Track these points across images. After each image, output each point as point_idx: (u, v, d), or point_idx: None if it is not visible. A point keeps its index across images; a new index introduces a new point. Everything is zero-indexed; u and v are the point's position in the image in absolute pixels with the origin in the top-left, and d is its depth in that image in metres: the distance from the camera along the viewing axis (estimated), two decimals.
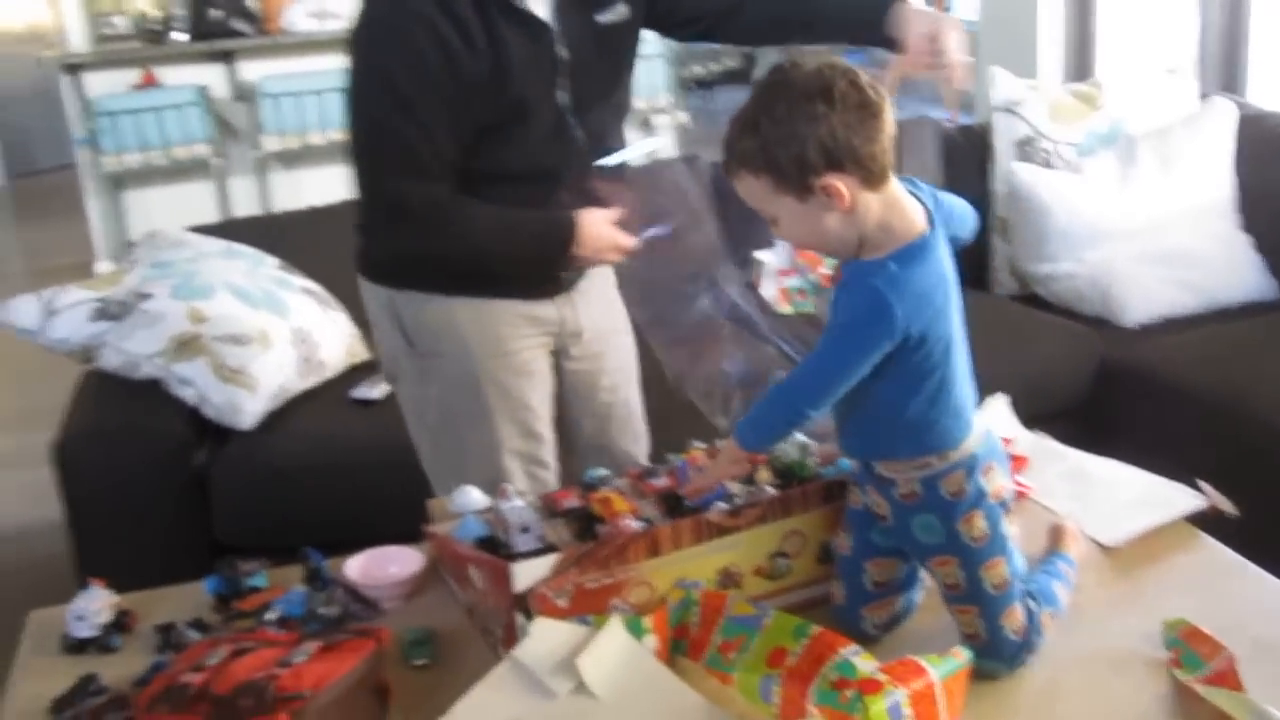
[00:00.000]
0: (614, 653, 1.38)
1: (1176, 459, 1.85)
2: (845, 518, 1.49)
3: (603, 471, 1.73)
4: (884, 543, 1.43)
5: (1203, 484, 1.75)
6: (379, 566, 1.65)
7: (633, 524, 1.52)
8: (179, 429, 2.31)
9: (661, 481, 1.68)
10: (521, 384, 1.86)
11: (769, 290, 3.06)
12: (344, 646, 1.37)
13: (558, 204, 1.76)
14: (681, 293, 1.86)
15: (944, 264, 1.32)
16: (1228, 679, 1.36)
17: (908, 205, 1.31)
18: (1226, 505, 1.71)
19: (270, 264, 2.68)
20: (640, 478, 1.70)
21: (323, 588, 1.63)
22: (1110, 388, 2.73)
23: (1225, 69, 3.48)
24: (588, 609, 1.42)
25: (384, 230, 1.77)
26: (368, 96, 1.65)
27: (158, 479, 2.25)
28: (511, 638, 1.40)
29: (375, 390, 2.45)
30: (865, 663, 1.30)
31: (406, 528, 1.71)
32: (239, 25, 5.46)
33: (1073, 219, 2.92)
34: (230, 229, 2.91)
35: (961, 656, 1.33)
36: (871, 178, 1.27)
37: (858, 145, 1.25)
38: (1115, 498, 1.77)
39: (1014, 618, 1.38)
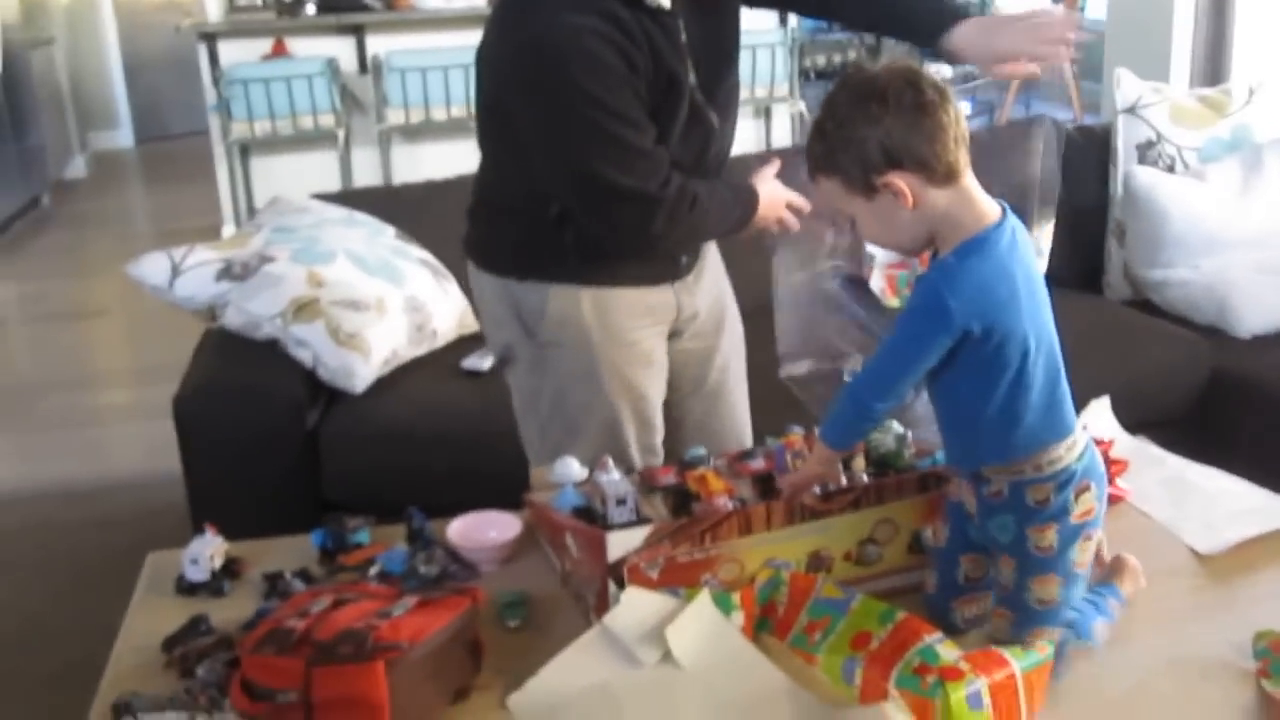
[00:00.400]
0: (702, 626, 1.41)
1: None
2: (943, 509, 1.50)
3: (701, 451, 1.76)
4: (978, 538, 1.44)
5: None
6: (479, 530, 1.71)
7: (727, 503, 1.55)
8: (294, 389, 2.38)
9: (758, 464, 1.71)
10: (640, 374, 1.88)
11: (877, 282, 3.07)
12: (441, 603, 1.43)
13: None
14: (817, 274, 1.91)
15: (1013, 259, 1.33)
16: None
17: (979, 200, 1.34)
18: None
19: (389, 233, 2.76)
20: (738, 459, 1.73)
21: (424, 547, 1.69)
22: (1221, 398, 2.68)
23: None
24: (678, 581, 1.46)
25: (631, 229, 1.74)
26: (570, 113, 1.63)
27: (272, 436, 2.33)
28: (604, 605, 1.44)
29: (485, 362, 2.51)
30: (949, 650, 1.32)
31: (505, 496, 1.76)
32: (369, 0, 5.59)
33: (1191, 225, 2.86)
34: (351, 198, 2.98)
35: (1045, 650, 1.34)
36: (935, 175, 1.31)
37: (915, 144, 1.30)
38: (1214, 506, 1.75)
39: (1042, 638, 1.36)
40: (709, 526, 1.47)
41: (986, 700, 1.26)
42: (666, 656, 1.39)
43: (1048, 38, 1.66)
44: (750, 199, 1.82)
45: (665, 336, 1.94)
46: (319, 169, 5.56)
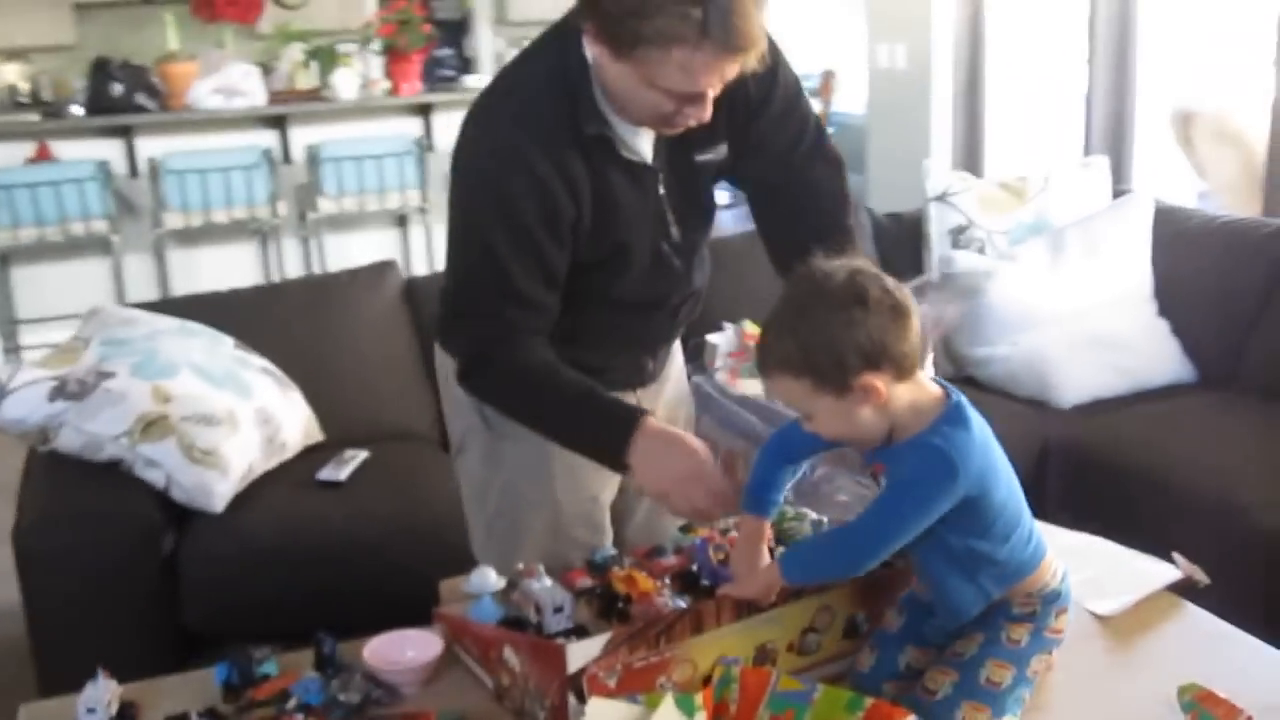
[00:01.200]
0: None
1: (1118, 533, 1.95)
2: (900, 600, 1.54)
3: (612, 551, 1.74)
4: (932, 637, 1.48)
5: (1176, 555, 1.83)
6: (396, 650, 1.62)
7: (666, 602, 1.53)
8: (147, 512, 2.23)
9: (670, 560, 1.70)
10: (593, 477, 1.83)
11: (720, 373, 3.12)
12: None
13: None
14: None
15: (982, 423, 1.41)
16: None
17: (929, 385, 1.41)
18: (1200, 575, 1.80)
19: (228, 343, 2.63)
20: (648, 557, 1.72)
21: (337, 673, 1.59)
22: (1053, 466, 2.85)
23: (1112, 161, 3.65)
24: (635, 688, 1.43)
25: (454, 345, 1.77)
26: (477, 218, 1.64)
27: (127, 564, 2.16)
28: (560, 718, 1.39)
29: (341, 472, 2.41)
30: None
31: (382, 611, 1.70)
32: (142, 100, 5.36)
33: (1008, 304, 3.05)
34: (177, 306, 2.83)
35: None
36: (903, 372, 1.37)
37: (891, 345, 1.34)
38: (1099, 570, 1.84)
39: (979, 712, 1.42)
40: (664, 629, 1.44)
41: None
42: None
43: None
44: (613, 448, 1.64)
45: None
46: (87, 278, 5.29)
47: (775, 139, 1.75)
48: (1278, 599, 2.35)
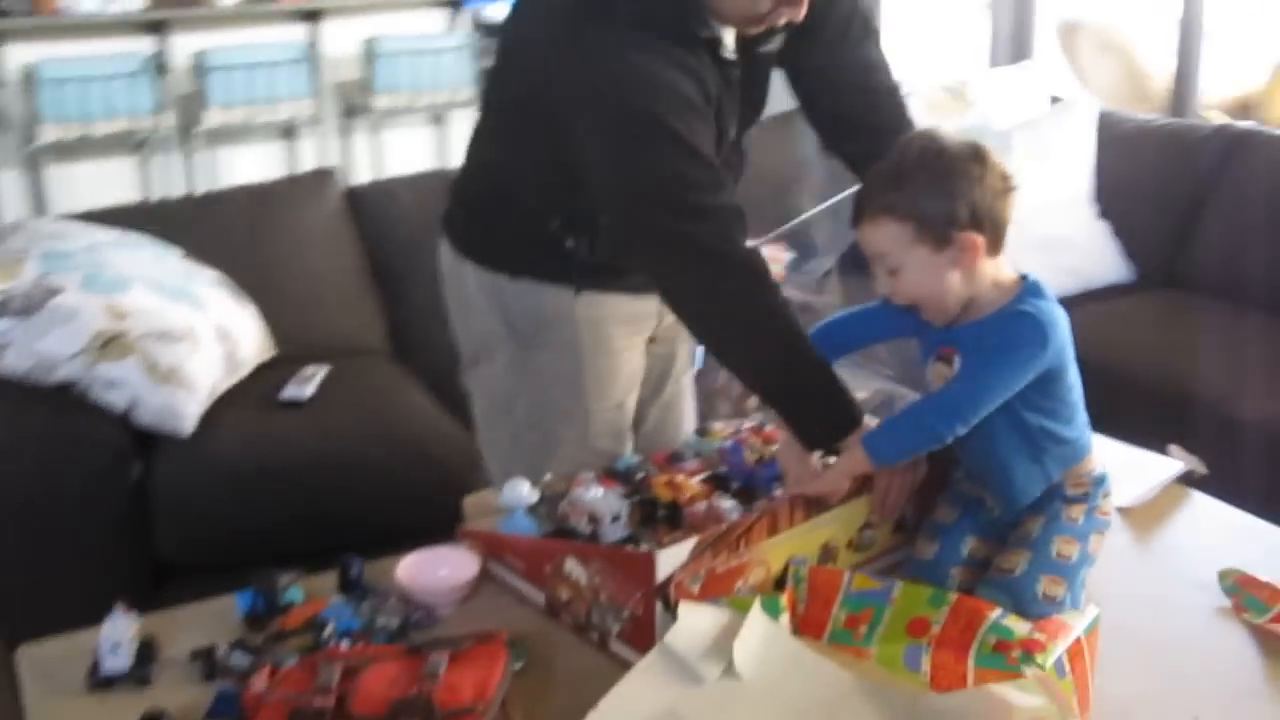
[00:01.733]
0: (758, 634, 1.34)
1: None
2: (946, 490, 1.54)
3: (635, 458, 1.69)
4: (991, 530, 1.49)
5: (1172, 447, 1.86)
6: (430, 570, 1.54)
7: (721, 505, 1.48)
8: (114, 435, 2.07)
9: (693, 464, 1.66)
10: (620, 385, 1.80)
11: None
12: (474, 654, 1.29)
13: None
14: None
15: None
16: None
17: (1007, 268, 1.44)
18: (1199, 465, 1.84)
19: (174, 254, 2.46)
20: (669, 462, 1.67)
21: (365, 597, 1.51)
22: None
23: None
24: (717, 592, 1.39)
25: (673, 275, 1.55)
26: (637, 142, 1.48)
27: (95, 493, 2.01)
28: (643, 630, 1.34)
29: (305, 390, 2.28)
30: (1019, 624, 1.32)
31: (371, 532, 1.66)
32: (8, 3, 4.95)
33: None
34: (109, 217, 2.62)
35: (1093, 611, 1.37)
36: (996, 245, 1.40)
37: (998, 212, 1.39)
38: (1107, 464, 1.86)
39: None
40: (743, 532, 1.40)
41: (1068, 667, 1.27)
42: (728, 671, 1.31)
43: None
44: (847, 412, 1.52)
45: (643, 348, 1.86)
46: None
47: (828, 23, 1.70)
48: (1249, 485, 2.42)
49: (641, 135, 1.48)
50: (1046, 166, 3.15)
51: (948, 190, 1.36)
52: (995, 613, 1.33)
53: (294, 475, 2.16)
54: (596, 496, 1.50)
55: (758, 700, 1.29)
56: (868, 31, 1.78)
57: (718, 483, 1.60)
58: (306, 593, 1.52)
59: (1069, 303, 2.95)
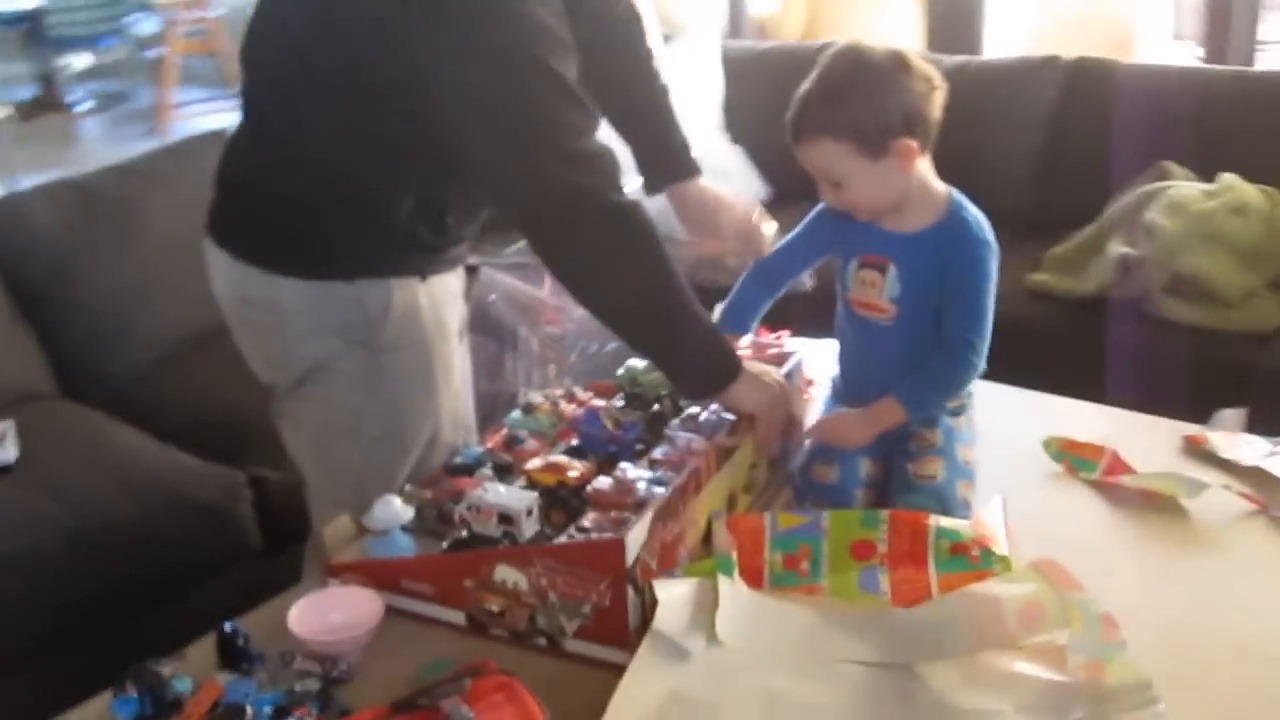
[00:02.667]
0: (728, 598, 1.31)
1: None
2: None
3: (479, 448, 1.59)
4: (880, 448, 1.54)
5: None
6: (323, 616, 1.36)
7: (632, 473, 1.43)
8: None
9: (532, 444, 1.59)
10: (457, 371, 1.66)
11: None
12: (485, 693, 1.17)
13: None
14: None
15: None
16: (1121, 469, 1.64)
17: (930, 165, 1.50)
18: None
19: None
20: (508, 446, 1.59)
21: (251, 667, 1.32)
22: None
23: None
24: (667, 565, 1.34)
25: (564, 230, 1.43)
26: (521, 88, 1.36)
27: None
28: (612, 620, 1.27)
29: (6, 452, 1.91)
30: (961, 525, 1.39)
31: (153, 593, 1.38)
32: None
33: None
34: None
35: (998, 500, 1.48)
36: (926, 144, 1.45)
37: (927, 113, 1.42)
38: None
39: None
40: (678, 496, 1.35)
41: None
42: (710, 640, 1.27)
43: (750, 246, 1.72)
44: (728, 362, 1.50)
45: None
46: None
47: None
48: None
49: (525, 80, 1.36)
50: (678, 100, 3.24)
51: (879, 103, 1.39)
52: (934, 520, 1.38)
53: (42, 553, 1.80)
54: (503, 494, 1.39)
55: (749, 663, 1.25)
56: None
57: (577, 455, 1.54)
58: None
59: None
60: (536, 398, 1.73)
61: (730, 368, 1.50)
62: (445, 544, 1.40)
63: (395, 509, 1.43)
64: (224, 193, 1.58)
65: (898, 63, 1.40)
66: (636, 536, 1.26)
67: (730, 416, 1.54)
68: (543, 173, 1.38)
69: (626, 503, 1.39)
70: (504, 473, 1.54)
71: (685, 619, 1.27)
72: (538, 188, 1.39)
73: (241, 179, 1.56)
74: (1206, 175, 2.53)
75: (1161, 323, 2.31)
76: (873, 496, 1.52)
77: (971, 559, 1.33)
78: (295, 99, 1.47)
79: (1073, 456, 1.68)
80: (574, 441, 1.59)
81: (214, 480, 1.98)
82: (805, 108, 1.43)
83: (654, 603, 1.26)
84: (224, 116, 5.06)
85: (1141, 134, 2.58)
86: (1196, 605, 1.34)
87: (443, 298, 1.63)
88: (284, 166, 1.50)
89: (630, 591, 1.26)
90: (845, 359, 1.63)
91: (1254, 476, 1.60)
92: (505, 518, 1.36)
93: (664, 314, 1.47)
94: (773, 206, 3.19)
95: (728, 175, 3.27)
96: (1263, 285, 2.32)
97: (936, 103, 1.43)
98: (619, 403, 1.64)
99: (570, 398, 1.73)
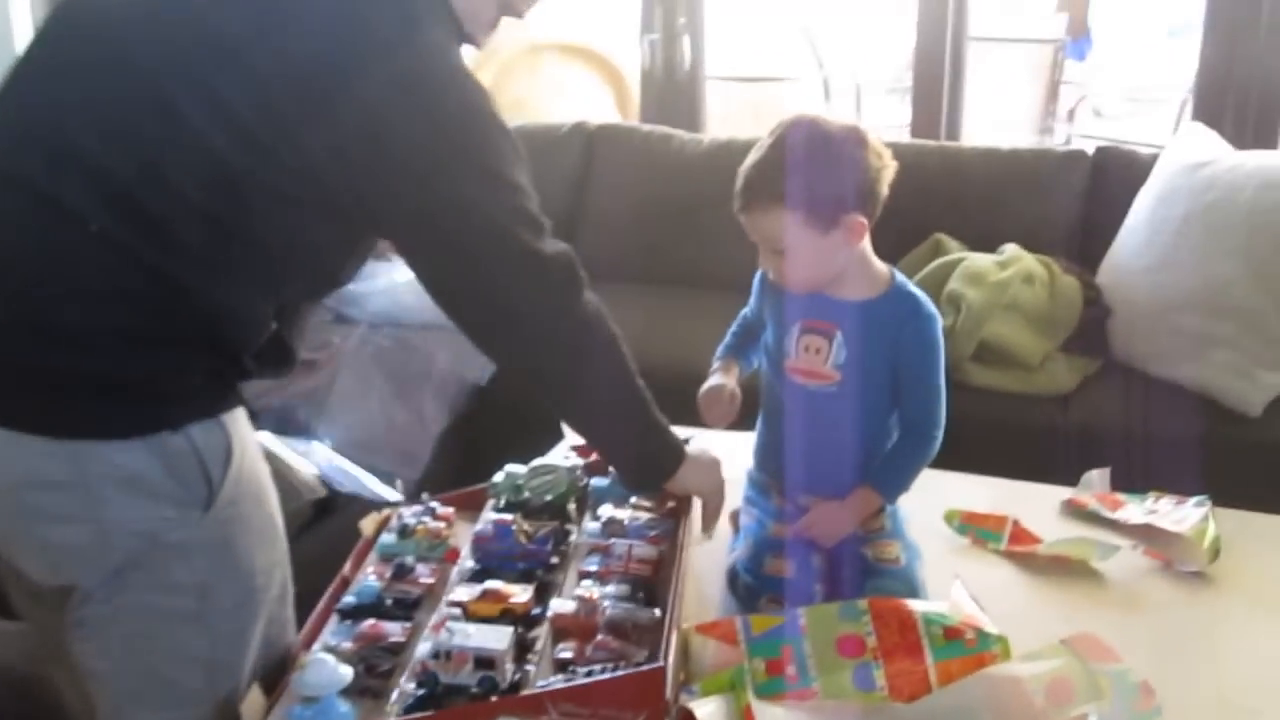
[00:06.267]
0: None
1: None
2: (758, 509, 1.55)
3: (374, 584, 1.45)
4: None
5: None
6: None
7: (594, 591, 1.31)
8: None
9: (423, 570, 1.47)
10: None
11: None
12: None
13: None
14: None
15: None
16: (1025, 538, 1.67)
17: None
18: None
19: None
20: (397, 578, 1.45)
21: None
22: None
23: None
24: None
25: (545, 305, 1.32)
26: (474, 149, 1.24)
27: None
28: None
29: None
30: (943, 608, 1.35)
31: None
32: None
33: None
34: None
35: (959, 585, 1.46)
36: (874, 219, 1.44)
37: (878, 192, 1.42)
38: None
39: None
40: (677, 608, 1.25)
41: None
42: None
43: None
44: (678, 446, 1.49)
45: None
46: None
47: None
48: None
49: (485, 136, 1.26)
50: None
51: (836, 177, 1.37)
52: (917, 605, 1.33)
53: None
54: (473, 634, 1.22)
55: None
56: None
57: (480, 578, 1.40)
58: None
59: None
60: (409, 519, 1.56)
61: (680, 451, 1.46)
62: (396, 706, 1.21)
63: (331, 671, 1.20)
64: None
65: (856, 137, 1.39)
66: (674, 661, 1.14)
67: (644, 516, 1.47)
68: (509, 238, 1.27)
69: (594, 624, 1.27)
70: (411, 609, 1.39)
71: None
72: (502, 252, 1.27)
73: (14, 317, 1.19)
74: (974, 244, 2.69)
75: (973, 390, 2.42)
76: (826, 588, 1.46)
77: (967, 643, 1.28)
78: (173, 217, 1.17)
79: (976, 528, 1.69)
80: (469, 563, 1.44)
81: None
82: (760, 174, 1.40)
83: None
84: None
85: (909, 207, 2.72)
86: (1164, 664, 1.34)
87: (246, 421, 1.33)
88: (109, 313, 1.18)
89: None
90: (778, 437, 1.57)
91: (1140, 534, 1.67)
92: (483, 661, 1.19)
93: (632, 402, 1.40)
94: None
95: None
96: (1054, 349, 2.48)
97: (887, 180, 1.42)
98: (500, 515, 1.51)
99: (434, 515, 1.58)
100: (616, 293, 2.94)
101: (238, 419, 1.28)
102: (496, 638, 1.21)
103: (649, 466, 1.47)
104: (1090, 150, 2.86)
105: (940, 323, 1.47)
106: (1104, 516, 1.73)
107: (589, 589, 1.33)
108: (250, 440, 1.30)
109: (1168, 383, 2.40)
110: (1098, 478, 1.83)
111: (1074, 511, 1.76)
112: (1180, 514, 1.69)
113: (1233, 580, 1.57)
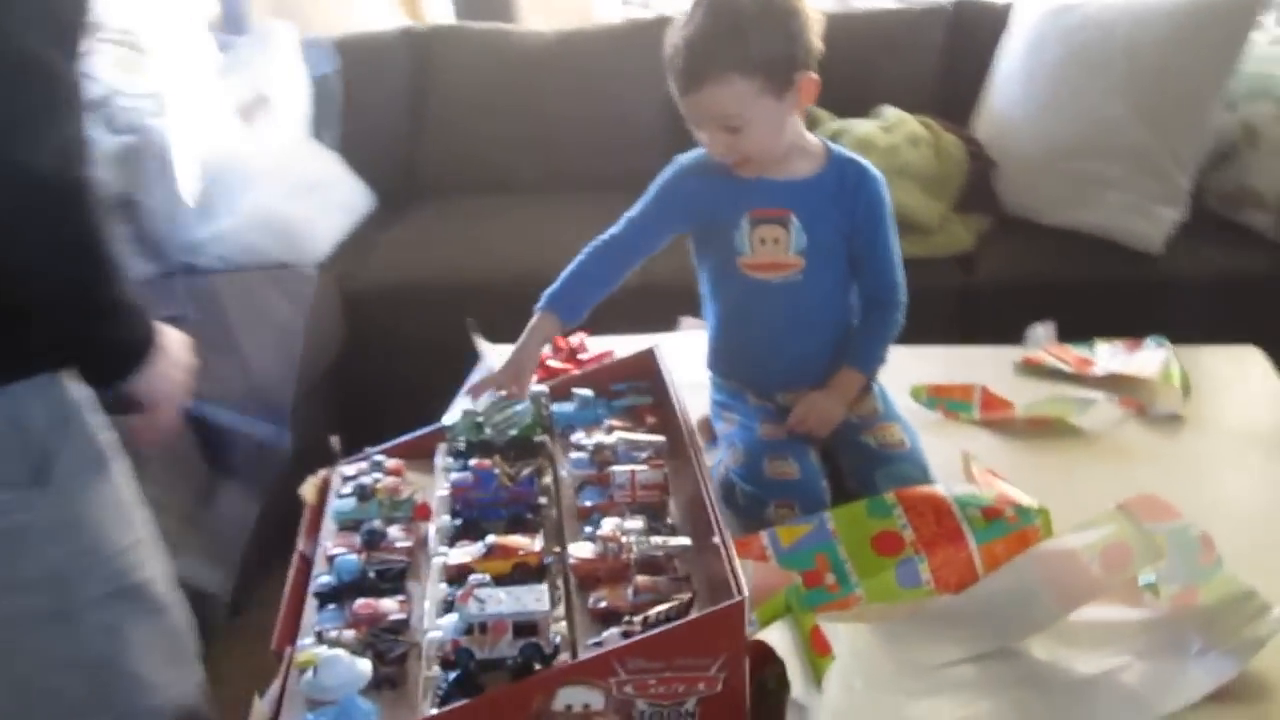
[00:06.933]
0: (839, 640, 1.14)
1: None
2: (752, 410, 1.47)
3: (354, 561, 1.28)
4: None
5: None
6: None
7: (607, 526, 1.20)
8: None
9: (397, 533, 1.32)
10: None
11: None
12: None
13: None
14: None
15: None
16: (996, 404, 1.64)
17: None
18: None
19: None
20: (370, 546, 1.30)
21: None
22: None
23: None
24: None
25: None
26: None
27: None
28: (730, 701, 1.03)
29: None
30: (972, 488, 1.30)
31: None
32: None
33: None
34: None
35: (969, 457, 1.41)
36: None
37: (816, 47, 1.35)
38: None
39: None
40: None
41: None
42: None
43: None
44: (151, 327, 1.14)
45: None
46: None
47: None
48: None
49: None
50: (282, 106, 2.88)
51: (786, 34, 1.31)
52: (944, 489, 1.28)
53: None
54: (505, 599, 1.08)
55: (871, 704, 1.09)
56: None
57: (467, 532, 1.26)
58: None
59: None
60: (363, 480, 1.40)
61: (153, 333, 1.14)
62: (429, 696, 1.07)
63: (348, 668, 1.06)
64: None
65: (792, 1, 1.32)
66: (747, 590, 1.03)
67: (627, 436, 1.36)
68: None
69: (624, 565, 1.16)
70: (401, 579, 1.24)
71: (802, 678, 1.07)
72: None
73: None
74: (841, 113, 2.62)
75: None
76: (833, 484, 1.39)
77: (1009, 520, 1.23)
78: None
79: (946, 400, 1.65)
80: (446, 518, 1.29)
81: None
82: (706, 46, 1.31)
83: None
84: None
85: None
86: (1188, 503, 1.27)
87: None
88: None
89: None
90: (743, 339, 1.47)
91: (1111, 384, 1.66)
92: (523, 628, 1.06)
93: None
94: (380, 216, 2.95)
95: (324, 187, 2.92)
96: (947, 210, 2.45)
97: (819, 31, 1.35)
98: (472, 460, 1.35)
99: (383, 469, 1.42)
100: (469, 204, 2.89)
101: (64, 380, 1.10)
102: (535, 598, 1.07)
103: (119, 345, 1.12)
104: (948, 4, 2.82)
105: (885, 183, 1.42)
106: (1066, 372, 1.71)
107: (612, 528, 1.21)
108: (86, 398, 1.12)
109: (1066, 230, 2.40)
110: (1043, 331, 1.82)
111: (1033, 370, 1.74)
112: (1142, 358, 1.68)
113: (1207, 416, 1.58)
